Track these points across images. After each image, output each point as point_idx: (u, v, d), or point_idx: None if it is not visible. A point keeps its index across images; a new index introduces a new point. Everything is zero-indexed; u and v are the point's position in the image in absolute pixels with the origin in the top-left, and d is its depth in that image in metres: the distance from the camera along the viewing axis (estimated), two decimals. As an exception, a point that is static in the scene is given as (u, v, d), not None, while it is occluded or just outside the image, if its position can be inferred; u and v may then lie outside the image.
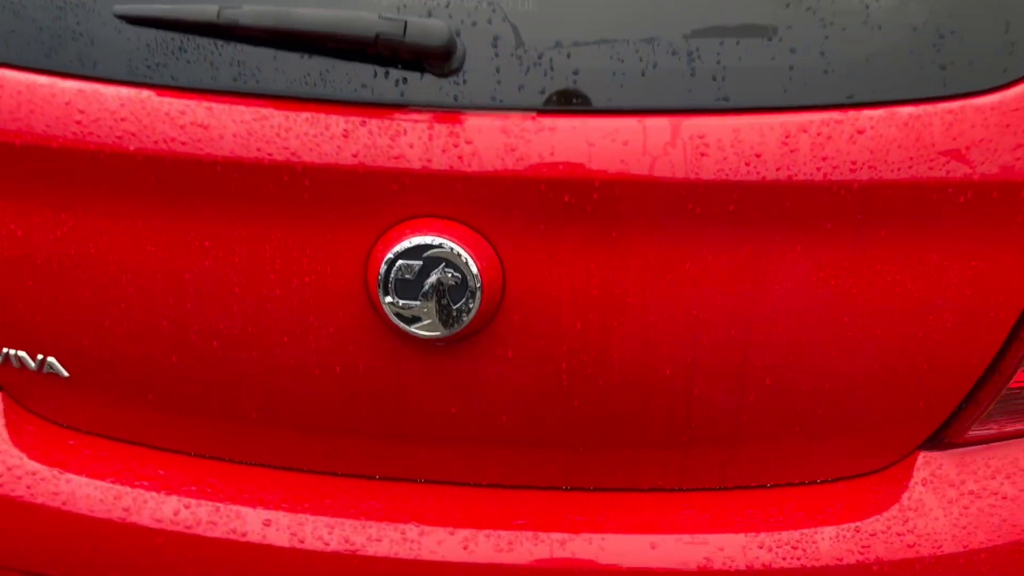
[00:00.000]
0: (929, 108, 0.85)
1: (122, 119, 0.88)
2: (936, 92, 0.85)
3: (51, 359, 1.01)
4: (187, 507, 1.00)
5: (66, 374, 1.01)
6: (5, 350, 1.02)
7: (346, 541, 0.98)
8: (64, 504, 1.02)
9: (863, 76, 0.84)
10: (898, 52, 0.85)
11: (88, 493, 1.02)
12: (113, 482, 1.02)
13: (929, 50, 0.85)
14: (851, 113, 0.84)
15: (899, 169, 0.84)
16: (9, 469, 1.03)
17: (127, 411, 1.03)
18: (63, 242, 0.95)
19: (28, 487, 1.03)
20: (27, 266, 0.97)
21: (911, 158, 0.84)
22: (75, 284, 0.96)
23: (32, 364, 1.02)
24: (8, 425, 1.06)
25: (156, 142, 0.87)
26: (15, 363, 1.03)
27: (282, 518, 0.99)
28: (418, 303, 0.87)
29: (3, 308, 0.99)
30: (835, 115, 0.84)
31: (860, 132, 0.84)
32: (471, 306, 0.87)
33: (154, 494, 1.01)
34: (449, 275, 0.86)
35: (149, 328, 0.96)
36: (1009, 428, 0.99)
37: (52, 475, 1.03)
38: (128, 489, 1.02)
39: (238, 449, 1.03)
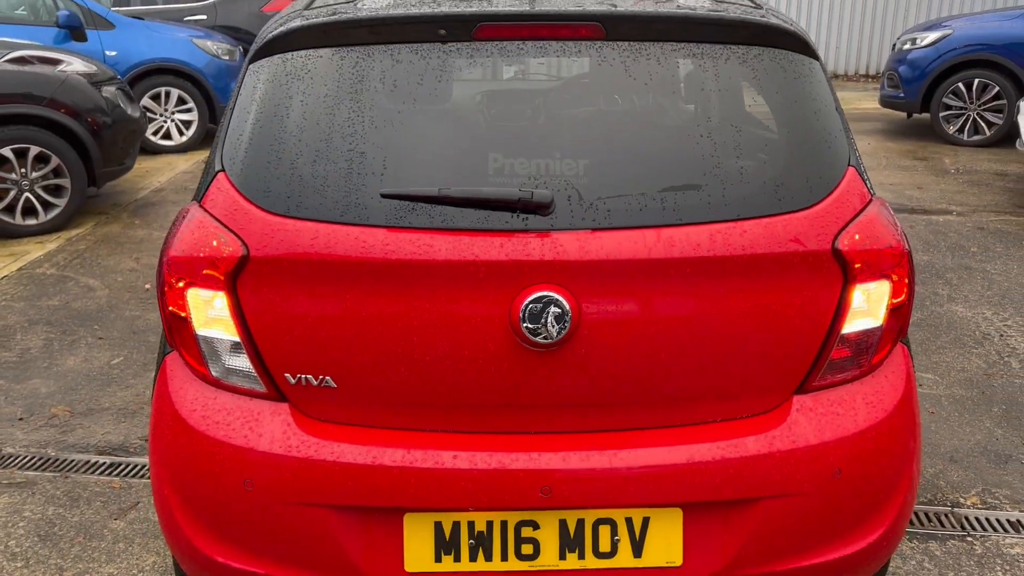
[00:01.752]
0: (775, 218, 1.80)
1: (383, 243, 1.76)
2: (779, 211, 1.81)
3: (327, 378, 1.85)
4: (408, 452, 1.83)
5: (335, 386, 1.85)
6: (298, 376, 1.86)
7: (498, 463, 1.82)
8: (334, 458, 1.83)
9: (745, 204, 1.79)
10: (760, 192, 1.81)
11: (351, 453, 1.83)
12: (363, 445, 1.84)
13: (771, 191, 1.81)
14: (737, 223, 1.78)
15: (762, 247, 1.78)
16: (301, 443, 1.85)
17: (367, 408, 1.86)
18: (339, 311, 1.80)
19: (312, 454, 1.84)
20: (315, 324, 1.82)
21: (767, 242, 1.78)
22: (347, 334, 1.81)
23: (315, 382, 1.86)
24: (296, 421, 1.88)
25: (404, 257, 1.76)
26: (303, 383, 1.86)
27: (462, 455, 1.83)
28: (540, 324, 1.75)
29: (302, 353, 1.83)
30: (728, 224, 1.78)
31: (744, 232, 1.78)
32: (565, 326, 1.75)
33: (386, 448, 1.84)
34: (556, 311, 1.75)
35: (386, 359, 1.81)
36: (833, 380, 1.91)
37: (325, 445, 1.85)
38: (373, 447, 1.84)
39: (433, 424, 1.86)
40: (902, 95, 9.04)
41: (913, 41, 9.05)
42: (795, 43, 1.97)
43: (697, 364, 1.84)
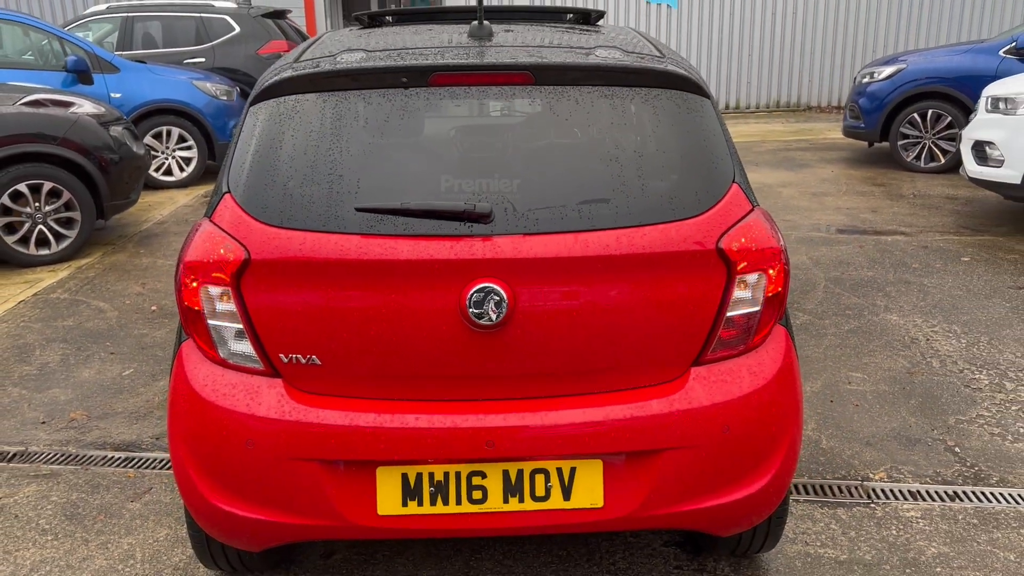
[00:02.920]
0: (669, 224, 2.26)
1: (357, 247, 2.22)
2: (672, 218, 2.27)
3: (313, 357, 2.29)
4: (379, 415, 2.27)
5: (320, 364, 2.29)
6: (290, 356, 2.30)
7: (452, 423, 2.26)
8: (319, 421, 2.27)
9: (645, 212, 2.26)
10: (657, 204, 2.27)
11: (333, 418, 2.27)
12: (343, 411, 2.29)
13: (667, 203, 2.28)
14: (639, 228, 2.24)
15: (659, 247, 2.24)
16: (293, 410, 2.29)
17: (346, 381, 2.31)
18: (323, 302, 2.25)
19: (301, 419, 2.28)
20: (304, 314, 2.26)
21: (663, 243, 2.24)
22: (329, 321, 2.26)
23: (303, 361, 2.30)
24: (288, 393, 2.32)
25: (375, 257, 2.21)
26: (294, 361, 2.30)
27: (423, 417, 2.27)
28: (483, 310, 2.20)
29: (293, 337, 2.28)
30: (632, 229, 2.24)
31: (644, 235, 2.24)
32: (503, 311, 2.20)
33: (361, 413, 2.28)
34: (495, 298, 2.20)
35: (361, 341, 2.26)
36: (723, 354, 2.36)
37: (312, 411, 2.29)
38: (350, 412, 2.28)
39: (400, 393, 2.30)
40: (863, 125, 9.58)
41: (872, 75, 9.61)
42: (690, 86, 2.45)
43: (610, 342, 2.29)
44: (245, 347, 2.32)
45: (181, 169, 9.40)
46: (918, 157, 9.34)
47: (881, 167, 9.61)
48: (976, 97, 8.78)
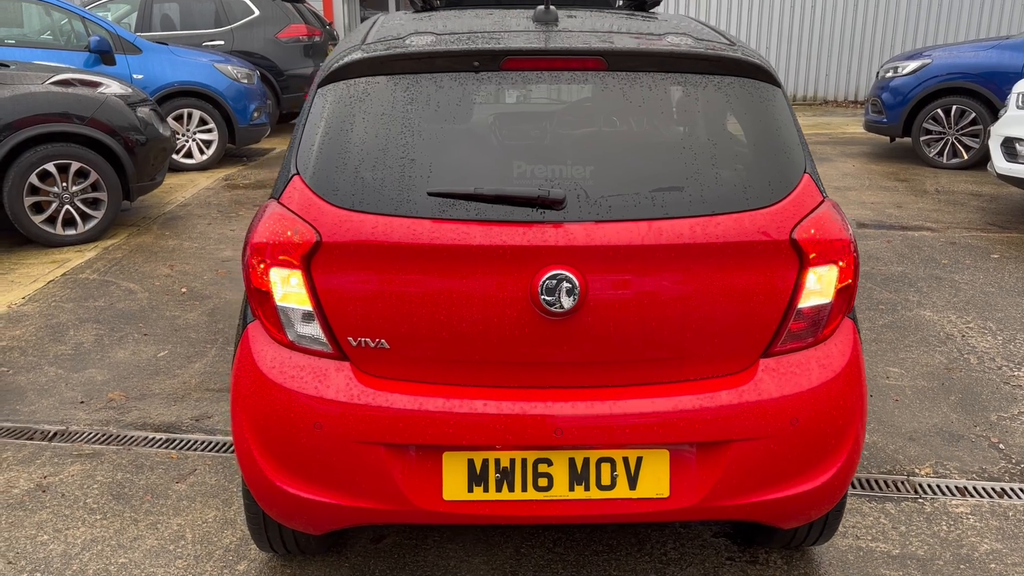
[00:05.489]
0: (743, 214, 2.25)
1: (429, 231, 2.21)
2: (746, 207, 2.25)
3: (382, 341, 2.29)
4: (447, 400, 2.26)
5: (388, 347, 2.28)
6: (359, 339, 2.29)
7: (520, 410, 2.25)
8: (387, 405, 2.26)
9: (719, 201, 2.24)
10: (731, 193, 2.26)
11: (401, 402, 2.26)
12: (411, 395, 2.28)
13: (740, 192, 2.26)
14: (712, 217, 2.23)
15: (732, 237, 2.22)
16: (361, 393, 2.28)
17: (415, 365, 2.30)
18: (393, 286, 2.24)
19: (370, 402, 2.27)
20: (373, 297, 2.26)
21: (737, 233, 2.23)
22: (399, 305, 2.25)
23: (372, 344, 2.29)
24: (356, 376, 2.31)
25: (446, 242, 2.20)
26: (362, 345, 2.29)
27: (491, 403, 2.26)
28: (555, 298, 2.19)
29: (362, 320, 2.27)
30: (706, 218, 2.23)
31: (718, 224, 2.23)
32: (574, 299, 2.19)
33: (429, 398, 2.27)
34: (567, 286, 2.19)
35: (431, 325, 2.25)
36: (792, 346, 2.34)
37: (381, 395, 2.28)
38: (419, 397, 2.27)
39: (468, 378, 2.29)
40: (885, 120, 9.55)
41: (895, 69, 9.57)
42: (762, 74, 2.43)
43: (680, 332, 2.28)
44: (314, 330, 2.31)
45: (201, 152, 9.38)
46: (940, 153, 9.31)
47: (903, 162, 9.58)
48: (1001, 93, 8.75)
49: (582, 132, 2.49)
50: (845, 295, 2.38)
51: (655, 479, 2.32)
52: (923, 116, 9.28)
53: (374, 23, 2.96)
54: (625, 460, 2.31)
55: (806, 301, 2.32)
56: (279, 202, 2.37)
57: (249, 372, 2.37)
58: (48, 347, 4.60)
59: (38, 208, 6.35)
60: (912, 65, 9.38)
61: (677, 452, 2.31)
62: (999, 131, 6.92)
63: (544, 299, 2.20)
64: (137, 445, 3.64)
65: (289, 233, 2.28)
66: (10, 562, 2.86)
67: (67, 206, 6.40)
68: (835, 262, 2.33)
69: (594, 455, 2.31)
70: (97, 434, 3.73)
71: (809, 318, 2.34)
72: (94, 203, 6.52)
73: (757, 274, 2.29)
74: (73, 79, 6.67)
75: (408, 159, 2.28)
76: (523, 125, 2.58)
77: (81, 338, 4.73)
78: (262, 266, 2.31)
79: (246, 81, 9.60)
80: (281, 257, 2.29)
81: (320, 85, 2.46)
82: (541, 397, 2.28)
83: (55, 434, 3.73)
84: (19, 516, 3.11)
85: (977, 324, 4.91)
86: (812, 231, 2.30)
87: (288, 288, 2.30)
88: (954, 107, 9.15)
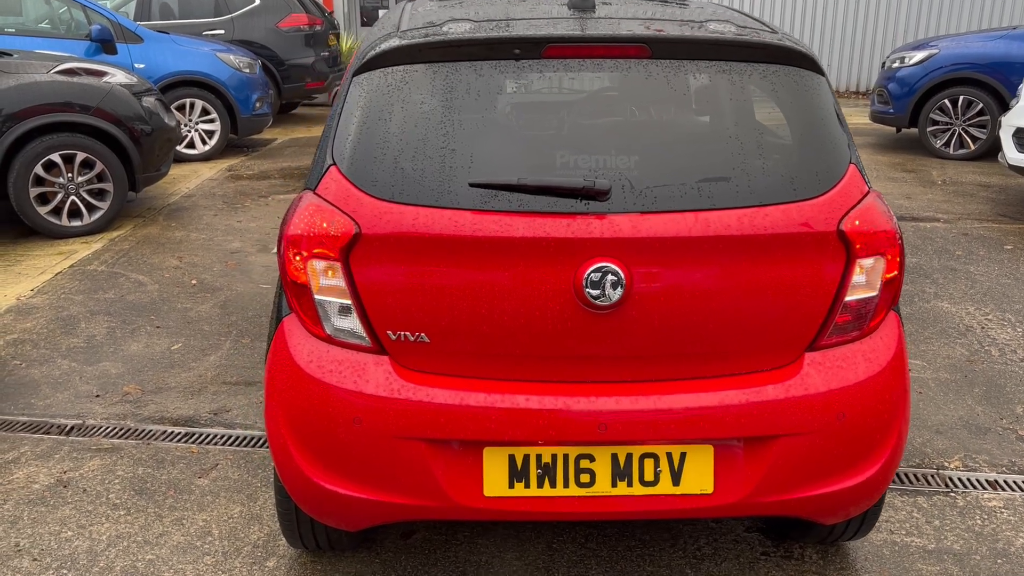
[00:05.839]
0: (791, 205, 2.20)
1: (471, 223, 2.16)
2: (793, 199, 2.21)
3: (422, 334, 2.24)
4: (488, 395, 2.22)
5: (428, 341, 2.24)
6: (399, 332, 2.25)
7: (563, 405, 2.21)
8: (428, 400, 2.22)
9: (766, 192, 2.20)
10: (778, 183, 2.22)
11: (442, 396, 2.22)
12: (452, 390, 2.23)
13: (788, 183, 2.22)
14: (760, 208, 2.19)
15: (780, 228, 2.18)
16: (402, 388, 2.24)
17: (455, 359, 2.25)
18: (434, 279, 2.20)
19: (410, 397, 2.23)
20: (413, 290, 2.21)
21: (785, 224, 2.19)
22: (439, 298, 2.20)
23: (412, 338, 2.25)
24: (396, 371, 2.27)
25: (489, 234, 2.15)
26: (402, 339, 2.25)
27: (533, 398, 2.22)
28: (600, 291, 2.15)
29: (402, 314, 2.22)
30: (753, 209, 2.19)
31: (766, 215, 2.19)
32: (619, 292, 2.15)
33: (470, 392, 2.23)
34: (613, 279, 2.14)
35: (472, 319, 2.20)
36: (838, 340, 2.31)
37: (421, 389, 2.24)
38: (459, 392, 2.23)
39: (509, 373, 2.25)
40: (891, 111, 9.51)
41: (902, 60, 9.52)
42: (806, 62, 2.38)
43: (726, 325, 2.24)
44: (352, 323, 2.26)
45: (204, 142, 9.30)
46: (947, 144, 9.28)
47: (909, 153, 9.55)
48: (1009, 84, 8.72)
49: (625, 121, 2.45)
50: (892, 288, 2.34)
51: (699, 475, 2.28)
52: (930, 106, 9.25)
53: (403, 10, 2.90)
54: (669, 456, 2.28)
55: (853, 294, 2.28)
56: (315, 193, 2.32)
57: (285, 366, 2.32)
58: (60, 340, 4.55)
59: (43, 199, 6.27)
60: (919, 55, 9.34)
61: (722, 447, 2.28)
62: (1011, 121, 6.89)
63: (588, 292, 2.16)
64: (156, 439, 3.59)
65: (326, 225, 2.23)
66: (35, 559, 2.81)
67: (73, 197, 6.32)
68: (882, 254, 2.29)
69: (637, 451, 2.27)
70: (115, 428, 3.68)
71: (855, 311, 2.31)
72: (100, 194, 6.44)
73: (804, 266, 2.25)
74: (78, 68, 6.59)
75: (448, 149, 2.23)
76: (564, 114, 2.53)
77: (93, 330, 4.67)
78: (298, 258, 2.27)
79: (248, 71, 9.51)
80: (318, 250, 2.24)
81: (356, 73, 2.40)
82: (584, 392, 2.24)
83: (72, 428, 3.68)
84: (41, 512, 3.06)
85: (996, 316, 4.88)
86: (859, 222, 2.26)
87: (326, 281, 2.25)
88: (961, 97, 9.12)
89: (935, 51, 9.27)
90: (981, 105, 9.04)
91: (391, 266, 2.22)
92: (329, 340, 2.29)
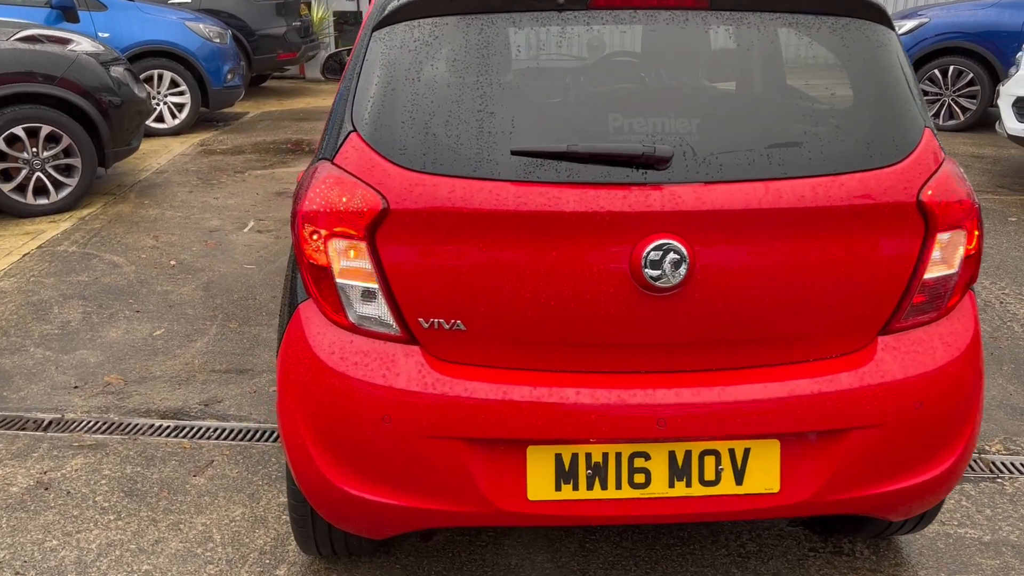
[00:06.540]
0: (868, 173, 1.98)
1: (515, 196, 1.92)
2: (870, 166, 1.99)
3: (458, 322, 2.00)
4: (534, 388, 1.98)
5: (465, 329, 2.00)
6: (432, 319, 2.00)
7: (618, 399, 1.98)
8: (467, 395, 1.98)
9: (841, 159, 1.98)
10: (853, 149, 1.99)
11: (482, 391, 1.98)
12: (493, 383, 2.00)
13: (863, 148, 2.00)
14: (836, 177, 1.96)
15: (857, 199, 1.96)
16: (436, 381, 1.99)
17: (495, 348, 2.01)
18: (471, 259, 1.95)
19: (447, 392, 1.99)
20: (448, 272, 1.96)
21: (862, 195, 1.97)
22: (478, 280, 1.96)
23: (447, 326, 2.00)
24: (428, 362, 2.02)
25: (535, 208, 1.91)
26: (435, 326, 2.00)
27: (584, 391, 1.99)
28: (661, 271, 1.91)
29: (435, 299, 1.98)
30: (829, 178, 1.96)
31: (842, 185, 1.97)
32: (682, 271, 1.92)
33: (514, 386, 1.99)
34: (675, 257, 1.91)
35: (515, 303, 1.96)
36: (913, 322, 2.10)
37: (459, 383, 2.00)
38: (502, 385, 1.99)
39: (557, 363, 2.02)
40: (880, 81, 9.33)
41: (891, 29, 9.35)
42: (877, 15, 2.15)
43: (796, 306, 2.02)
44: (379, 310, 2.01)
45: (173, 116, 8.90)
46: (936, 115, 9.15)
47: (897, 125, 9.40)
48: (1000, 53, 8.60)
49: (684, 81, 2.21)
50: (971, 264, 2.14)
51: (764, 472, 2.07)
52: (919, 77, 9.09)
53: None
54: (731, 452, 2.06)
55: (932, 271, 2.08)
56: (333, 163, 2.05)
57: (303, 359, 2.06)
58: (32, 326, 4.23)
59: (6, 176, 5.89)
60: (909, 24, 9.17)
61: (789, 442, 2.06)
62: (1011, 91, 6.74)
63: (647, 273, 1.92)
64: (143, 434, 3.31)
65: (348, 199, 1.98)
66: (17, 572, 2.54)
67: (38, 173, 5.95)
68: (962, 227, 2.08)
69: (697, 447, 2.05)
70: (97, 422, 3.40)
71: (933, 290, 2.10)
72: (67, 170, 6.07)
73: (880, 241, 2.03)
74: (40, 35, 6.20)
75: (486, 113, 1.98)
76: (616, 72, 2.29)
77: (67, 316, 4.35)
78: (316, 237, 2.01)
79: (219, 41, 9.11)
80: (339, 227, 1.98)
81: (376, 28, 2.13)
82: (641, 383, 2.02)
83: (50, 423, 3.39)
84: (21, 519, 2.78)
85: (1012, 290, 4.73)
86: (939, 192, 2.05)
87: (349, 262, 1.99)
88: (951, 67, 8.97)
89: (925, 20, 9.11)
90: (971, 75, 8.91)
91: (423, 245, 1.97)
92: (353, 329, 2.04)
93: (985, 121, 8.84)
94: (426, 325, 2.01)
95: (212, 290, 4.70)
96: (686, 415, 2.00)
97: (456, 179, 1.95)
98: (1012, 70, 6.97)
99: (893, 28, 2.20)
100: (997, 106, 7.01)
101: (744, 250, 1.98)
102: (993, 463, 3.13)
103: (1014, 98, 6.69)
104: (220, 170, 7.41)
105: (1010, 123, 6.75)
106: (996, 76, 8.73)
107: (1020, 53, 6.93)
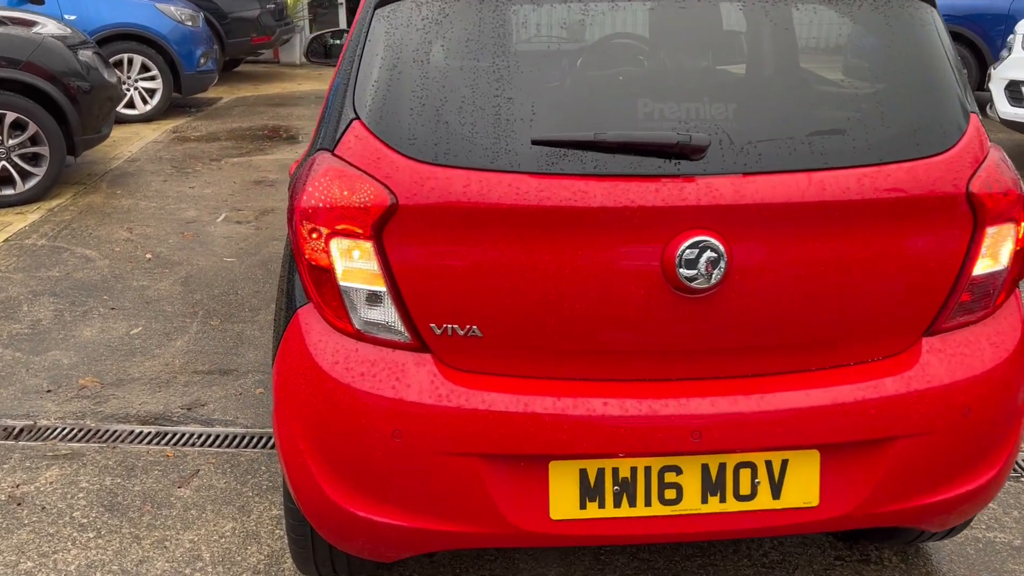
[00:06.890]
0: (916, 163, 1.83)
1: (537, 190, 1.75)
2: (918, 155, 1.84)
3: (474, 327, 1.83)
4: (558, 400, 1.82)
5: (481, 336, 1.83)
6: (445, 325, 1.83)
7: (649, 409, 1.83)
8: (485, 408, 1.82)
9: (887, 148, 1.82)
10: (899, 137, 1.84)
11: (501, 402, 1.82)
12: (513, 394, 1.83)
13: (909, 136, 1.85)
14: (882, 167, 1.81)
15: (905, 190, 1.81)
16: (450, 393, 1.82)
17: (515, 356, 1.85)
18: (488, 258, 1.78)
19: (463, 404, 1.82)
20: (463, 273, 1.79)
21: (910, 186, 1.82)
22: (493, 282, 1.79)
23: (461, 332, 1.83)
24: (441, 372, 1.85)
25: (559, 203, 1.74)
26: (448, 333, 1.83)
27: (612, 402, 1.83)
28: (696, 270, 1.76)
29: (449, 302, 1.80)
30: (875, 168, 1.81)
31: (888, 176, 1.82)
32: (720, 271, 1.76)
33: (536, 397, 1.83)
34: (712, 255, 1.75)
35: (536, 307, 1.80)
36: (959, 322, 1.96)
37: (475, 394, 1.83)
38: (523, 396, 1.83)
39: (583, 371, 1.85)
40: (866, 65, 9.24)
41: (876, 12, 9.25)
42: (920, -8, 2.00)
43: (839, 306, 1.87)
44: (387, 315, 1.84)
45: (145, 101, 8.61)
46: (922, 99, 9.06)
47: (883, 109, 9.31)
48: (988, 37, 8.52)
49: (719, 64, 2.04)
50: (1020, 259, 2.00)
51: (803, 485, 1.92)
52: (905, 60, 9.00)
53: None
54: (768, 464, 1.91)
55: (980, 267, 1.93)
56: (334, 154, 1.87)
57: (303, 368, 1.89)
58: (0, 326, 4.00)
59: (-30, 165, 5.63)
60: (895, 7, 9.06)
61: (830, 453, 1.92)
62: (1003, 74, 6.65)
63: (682, 273, 1.76)
64: (122, 441, 3.12)
65: (350, 194, 1.80)
66: (-11, 599, 2.35)
67: (3, 162, 5.68)
68: (1012, 219, 1.94)
69: (732, 460, 1.90)
70: (72, 429, 3.19)
71: (981, 287, 1.96)
72: (34, 159, 5.80)
73: (927, 235, 1.89)
74: (3, 17, 5.91)
75: (504, 98, 1.80)
76: (645, 54, 2.12)
77: (38, 314, 4.12)
78: (316, 236, 1.83)
79: (191, 23, 8.82)
80: (342, 225, 1.80)
81: (378, 5, 1.95)
82: (674, 392, 1.86)
83: (21, 431, 3.18)
84: (-8, 538, 2.59)
85: None
86: (989, 183, 1.91)
87: (353, 263, 1.82)
88: (938, 51, 8.88)
89: (911, 2, 9.00)
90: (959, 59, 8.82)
91: (434, 244, 1.80)
92: (358, 336, 1.86)
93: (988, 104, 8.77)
94: (439, 331, 1.84)
95: (191, 285, 4.49)
96: (723, 425, 1.85)
97: (471, 171, 1.77)
98: (1004, 53, 6.88)
99: (935, 5, 2.05)
100: (988, 90, 6.92)
101: (785, 247, 1.82)
102: (1019, 463, 3.01)
103: (1007, 81, 6.60)
104: (195, 158, 7.16)
105: (1003, 107, 6.66)
106: (983, 59, 8.65)
107: (1011, 36, 6.83)
